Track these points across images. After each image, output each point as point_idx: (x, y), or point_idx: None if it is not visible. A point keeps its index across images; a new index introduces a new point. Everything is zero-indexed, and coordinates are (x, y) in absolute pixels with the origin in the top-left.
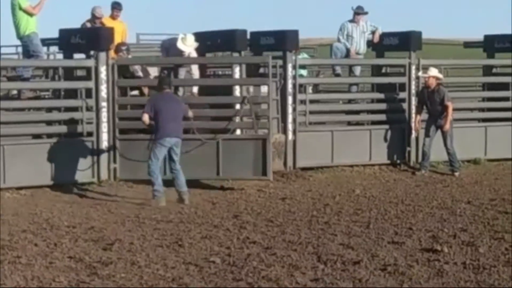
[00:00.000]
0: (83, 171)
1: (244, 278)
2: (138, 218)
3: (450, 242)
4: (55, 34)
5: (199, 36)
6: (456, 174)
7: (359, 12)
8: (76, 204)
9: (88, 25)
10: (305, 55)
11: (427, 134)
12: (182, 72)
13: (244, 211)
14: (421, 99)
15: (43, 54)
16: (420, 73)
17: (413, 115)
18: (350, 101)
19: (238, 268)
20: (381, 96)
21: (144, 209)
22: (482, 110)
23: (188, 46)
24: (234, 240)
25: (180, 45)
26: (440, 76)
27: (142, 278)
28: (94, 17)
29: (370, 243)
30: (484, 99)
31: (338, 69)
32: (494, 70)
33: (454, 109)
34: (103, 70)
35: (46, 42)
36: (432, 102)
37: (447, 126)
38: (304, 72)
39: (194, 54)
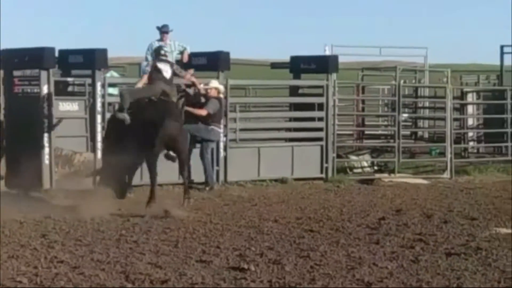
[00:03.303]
0: None
1: None
2: None
3: (257, 260)
4: None
5: (7, 53)
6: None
7: (165, 30)
8: None
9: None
10: (114, 74)
11: None
12: None
13: (52, 230)
14: None
15: None
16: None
17: None
18: None
19: None
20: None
21: None
22: (289, 130)
23: None
24: (42, 259)
25: None
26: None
27: None
28: None
29: (178, 262)
30: (291, 119)
31: None
32: (300, 91)
33: (263, 129)
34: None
35: None
36: None
37: None
38: (114, 90)
39: None
